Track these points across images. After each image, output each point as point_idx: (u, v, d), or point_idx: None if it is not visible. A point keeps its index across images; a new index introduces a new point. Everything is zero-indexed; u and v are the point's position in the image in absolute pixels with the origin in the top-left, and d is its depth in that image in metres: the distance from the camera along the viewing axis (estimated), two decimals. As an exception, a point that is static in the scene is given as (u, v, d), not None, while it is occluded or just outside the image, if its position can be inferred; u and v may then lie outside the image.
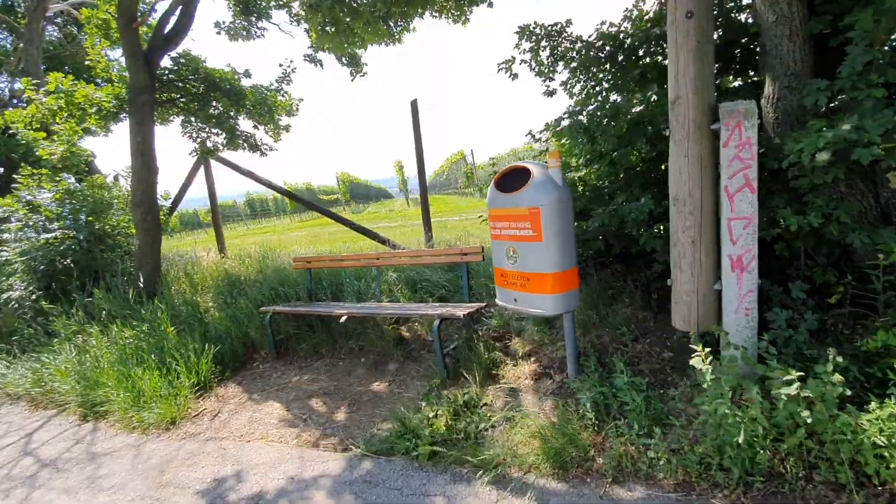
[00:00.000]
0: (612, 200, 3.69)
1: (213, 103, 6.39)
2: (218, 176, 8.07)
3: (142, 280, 5.83)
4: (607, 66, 4.19)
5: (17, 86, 13.54)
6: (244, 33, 8.03)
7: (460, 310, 3.96)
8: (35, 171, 7.12)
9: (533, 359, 3.85)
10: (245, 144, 6.97)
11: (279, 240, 12.73)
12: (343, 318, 4.58)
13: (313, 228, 20.35)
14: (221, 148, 7.19)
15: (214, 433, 3.79)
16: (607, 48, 4.16)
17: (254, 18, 7.81)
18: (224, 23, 7.84)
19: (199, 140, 7.09)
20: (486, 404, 3.44)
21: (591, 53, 4.17)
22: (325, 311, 4.75)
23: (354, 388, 4.23)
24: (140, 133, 5.78)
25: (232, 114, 6.60)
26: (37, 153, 7.19)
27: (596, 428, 2.81)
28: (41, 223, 6.53)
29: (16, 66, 10.23)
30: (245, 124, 7.35)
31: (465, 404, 3.36)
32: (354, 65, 8.04)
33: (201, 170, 7.74)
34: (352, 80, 8.33)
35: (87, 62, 6.54)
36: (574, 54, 4.34)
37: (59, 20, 11.70)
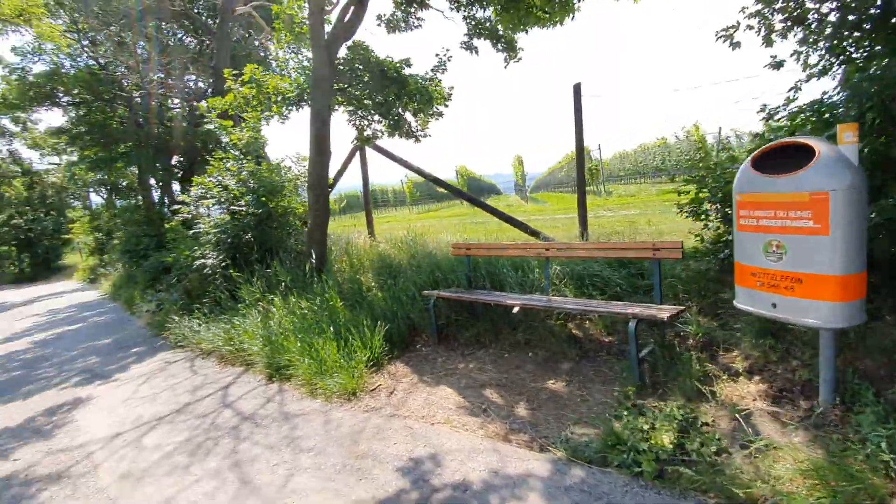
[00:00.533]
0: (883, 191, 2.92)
1: (382, 91, 6.61)
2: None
3: (313, 257, 6.24)
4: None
5: (200, 84, 15.77)
6: (402, 24, 8.25)
7: (663, 311, 3.49)
8: (224, 154, 8.05)
9: (758, 377, 3.24)
10: (404, 132, 7.14)
11: (412, 227, 13.03)
12: (516, 309, 4.36)
13: (430, 220, 20.86)
14: (381, 135, 7.45)
15: (395, 410, 3.80)
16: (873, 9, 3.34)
17: (413, 9, 7.97)
18: (384, 15, 8.13)
19: (360, 128, 7.43)
20: (705, 424, 2.94)
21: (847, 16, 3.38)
22: (492, 300, 4.58)
23: (528, 383, 3.98)
24: (318, 120, 6.17)
25: (397, 102, 6.77)
26: (224, 139, 8.15)
27: (893, 474, 2.19)
28: (228, 200, 7.34)
29: (207, 63, 11.86)
30: (402, 112, 7.51)
31: (684, 420, 2.90)
32: (509, 50, 7.82)
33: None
34: (505, 67, 8.13)
35: (263, 57, 7.22)
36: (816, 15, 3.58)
37: (241, 21, 13.36)
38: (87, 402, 5.02)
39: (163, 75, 14.28)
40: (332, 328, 4.78)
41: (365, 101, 6.88)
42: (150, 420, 4.30)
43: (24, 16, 8.07)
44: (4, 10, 7.89)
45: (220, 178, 7.70)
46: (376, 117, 7.33)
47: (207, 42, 12.16)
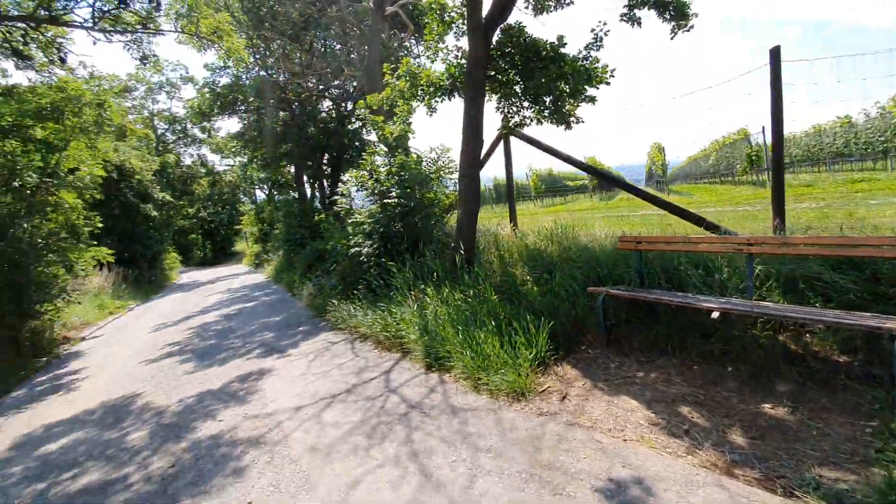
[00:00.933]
0: None
1: (536, 74, 6.24)
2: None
3: (462, 248, 6.16)
4: None
5: (347, 87, 17.06)
6: (551, 4, 7.75)
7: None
8: (374, 150, 8.43)
9: None
10: (557, 117, 6.68)
11: (559, 220, 12.47)
12: (716, 314, 3.68)
13: (560, 213, 19.94)
14: (528, 123, 7.10)
15: (573, 418, 3.44)
16: None
17: (566, -15, 7.40)
18: (534, -5, 7.71)
19: (507, 115, 7.15)
20: None
21: None
22: (681, 302, 3.94)
23: (734, 404, 3.31)
24: (473, 107, 6.04)
25: (551, 84, 6.35)
26: (370, 136, 8.54)
27: None
28: (380, 192, 7.66)
29: (356, 66, 12.80)
30: (556, 95, 7.03)
31: None
32: (679, 17, 6.85)
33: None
34: (671, 38, 7.16)
35: (405, 55, 7.30)
36: None
37: (388, 21, 14.19)
38: (269, 373, 5.57)
39: (315, 80, 15.76)
40: (492, 322, 4.59)
41: (515, 87, 6.58)
42: (325, 397, 4.56)
43: (218, 33, 9.50)
44: (202, 29, 9.38)
45: (371, 170, 8.08)
46: (525, 103, 6.98)
47: (352, 45, 13.06)
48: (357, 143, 15.57)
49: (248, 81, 14.52)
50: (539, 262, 5.95)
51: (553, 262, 5.87)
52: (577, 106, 7.30)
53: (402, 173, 7.56)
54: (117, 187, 18.18)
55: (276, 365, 5.87)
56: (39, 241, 8.41)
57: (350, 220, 7.92)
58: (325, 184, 16.12)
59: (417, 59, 13.01)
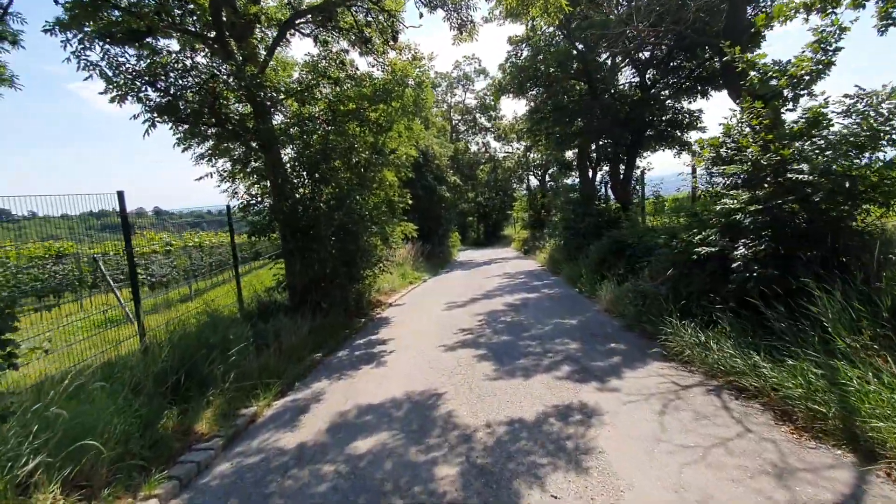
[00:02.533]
0: None
1: None
2: None
3: None
4: None
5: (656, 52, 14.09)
6: None
7: None
8: (748, 102, 5.72)
9: None
10: None
11: None
12: None
13: None
14: None
15: None
16: None
17: None
18: None
19: None
20: None
21: None
22: None
23: None
24: None
25: None
26: (745, 68, 5.79)
27: None
28: (773, 164, 4.98)
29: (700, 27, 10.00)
30: None
31: None
32: None
33: None
34: None
35: None
36: None
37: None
38: (598, 416, 3.93)
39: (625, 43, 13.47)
40: None
41: None
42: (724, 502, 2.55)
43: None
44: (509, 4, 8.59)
45: (738, 132, 5.45)
46: None
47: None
48: (665, 117, 12.68)
49: (549, 49, 13.25)
50: None
51: None
52: None
53: (819, 133, 4.68)
54: (421, 170, 20.50)
55: (601, 402, 4.20)
56: (367, 213, 9.17)
57: (713, 208, 5.50)
58: (620, 166, 13.79)
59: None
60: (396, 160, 10.55)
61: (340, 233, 8.16)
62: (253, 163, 7.75)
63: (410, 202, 11.59)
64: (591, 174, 17.66)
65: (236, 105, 7.28)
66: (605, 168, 18.17)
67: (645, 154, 14.88)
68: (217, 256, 17.87)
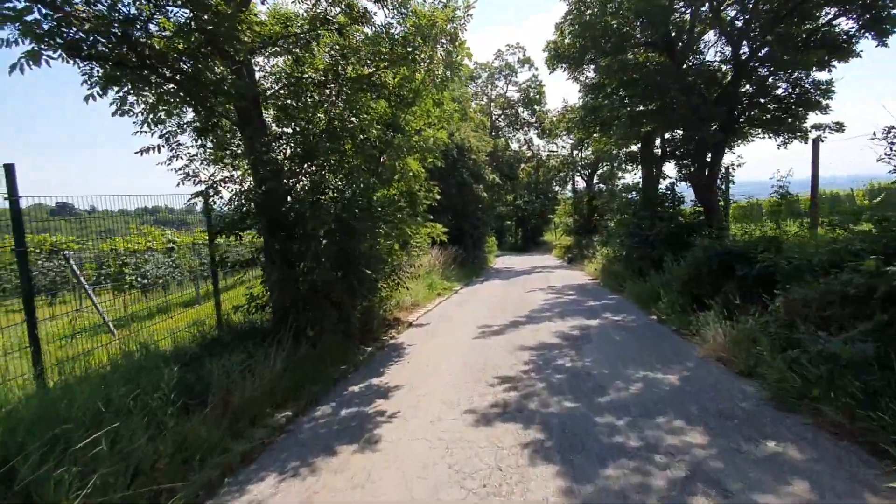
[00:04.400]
0: None
1: None
2: None
3: None
4: None
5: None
6: None
7: None
8: None
9: None
10: None
11: None
12: None
13: None
14: None
15: None
16: None
17: None
18: None
19: None
20: None
21: None
22: None
23: None
24: None
25: None
26: None
27: None
28: None
29: None
30: None
31: None
32: None
33: None
34: None
35: None
36: None
37: None
38: None
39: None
40: None
41: None
42: None
43: None
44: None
45: None
46: None
47: None
48: (778, 92, 9.83)
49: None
50: None
51: None
52: None
53: None
54: (455, 165, 18.23)
55: None
56: (377, 207, 6.96)
57: None
58: (706, 159, 10.96)
59: None
60: (421, 143, 8.31)
61: (336, 232, 5.98)
62: (220, 134, 5.67)
63: (438, 198, 9.30)
64: (655, 171, 14.87)
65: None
66: (672, 164, 15.34)
67: (736, 145, 11.99)
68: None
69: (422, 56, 6.73)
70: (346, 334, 6.88)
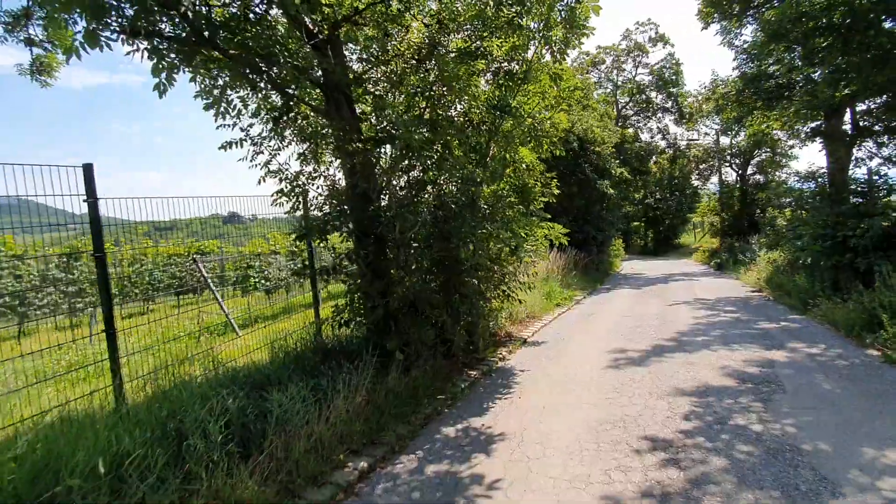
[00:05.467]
0: None
1: None
2: None
3: None
4: None
5: None
6: None
7: None
8: None
9: None
10: None
11: None
12: None
13: None
14: None
15: None
16: None
17: None
18: None
19: None
20: None
21: None
22: None
23: None
24: None
25: None
26: None
27: None
28: None
29: None
30: None
31: None
32: None
33: None
34: None
35: None
36: None
37: None
38: None
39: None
40: None
41: None
42: None
43: None
44: None
45: None
46: None
47: None
48: None
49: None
50: None
51: None
52: None
53: None
54: (577, 160, 16.32)
55: None
56: (484, 206, 5.81)
57: None
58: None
59: None
60: (535, 126, 6.95)
61: (433, 236, 4.96)
62: (301, 123, 5.01)
63: (557, 192, 7.85)
64: (845, 154, 11.31)
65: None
66: (863, 145, 11.61)
67: None
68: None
69: (536, 14, 5.41)
70: (446, 355, 5.86)
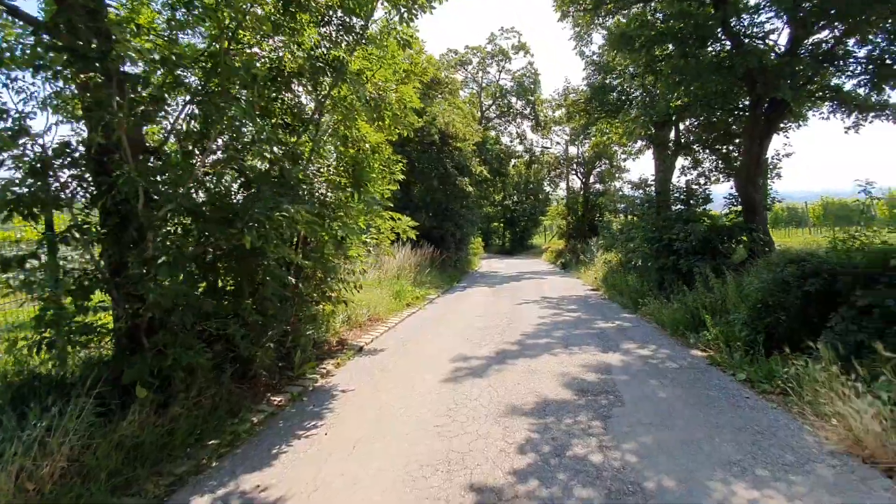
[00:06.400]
0: None
1: None
2: None
3: None
4: None
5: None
6: None
7: None
8: None
9: None
10: None
11: None
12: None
13: None
14: None
15: None
16: None
17: None
18: None
19: None
20: None
21: None
22: None
23: None
24: None
25: None
26: None
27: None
28: None
29: None
30: None
31: None
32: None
33: None
34: None
35: None
36: None
37: None
38: None
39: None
40: None
41: None
42: None
43: None
44: None
45: None
46: None
47: None
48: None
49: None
50: None
51: None
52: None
53: None
54: (439, 156, 15.80)
55: None
56: (304, 186, 4.49)
57: None
58: (758, 141, 8.63)
59: None
60: (380, 101, 5.82)
61: (199, 215, 3.48)
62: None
63: (402, 177, 6.86)
64: (669, 164, 12.63)
65: None
66: (687, 159, 13.15)
67: (785, 128, 9.74)
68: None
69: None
70: (242, 377, 4.43)
